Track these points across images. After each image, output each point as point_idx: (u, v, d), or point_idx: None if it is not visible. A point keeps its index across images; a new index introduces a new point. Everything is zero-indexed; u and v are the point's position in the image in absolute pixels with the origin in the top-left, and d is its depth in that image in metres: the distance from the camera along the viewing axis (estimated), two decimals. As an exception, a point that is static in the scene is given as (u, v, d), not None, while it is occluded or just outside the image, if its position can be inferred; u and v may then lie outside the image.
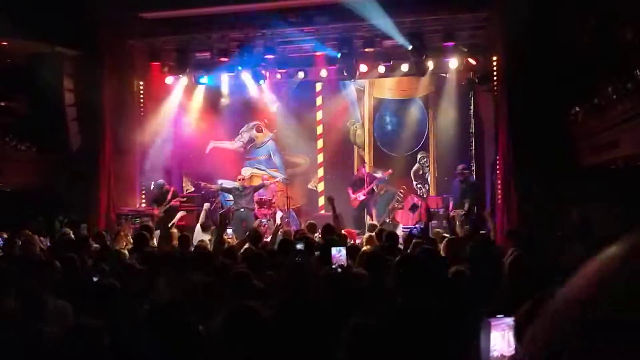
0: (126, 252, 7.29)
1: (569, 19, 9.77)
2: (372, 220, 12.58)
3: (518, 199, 10.65)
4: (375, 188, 13.50)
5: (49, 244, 9.05)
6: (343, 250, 4.93)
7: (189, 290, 4.17)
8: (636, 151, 7.65)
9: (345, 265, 5.06)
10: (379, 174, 13.87)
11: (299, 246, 4.63)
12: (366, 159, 14.51)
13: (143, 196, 13.51)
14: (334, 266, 4.96)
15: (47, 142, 12.16)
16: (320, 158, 14.78)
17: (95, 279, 5.02)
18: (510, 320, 1.70)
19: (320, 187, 14.73)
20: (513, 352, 1.56)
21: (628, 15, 8.04)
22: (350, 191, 13.61)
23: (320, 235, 7.75)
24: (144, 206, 13.13)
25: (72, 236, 8.63)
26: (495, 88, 11.78)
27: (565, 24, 9.86)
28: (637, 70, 6.91)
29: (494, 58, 11.72)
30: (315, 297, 4.05)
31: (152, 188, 13.18)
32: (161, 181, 13.04)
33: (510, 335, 1.69)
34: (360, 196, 13.44)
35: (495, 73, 11.78)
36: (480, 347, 1.80)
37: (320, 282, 4.52)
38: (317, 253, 5.62)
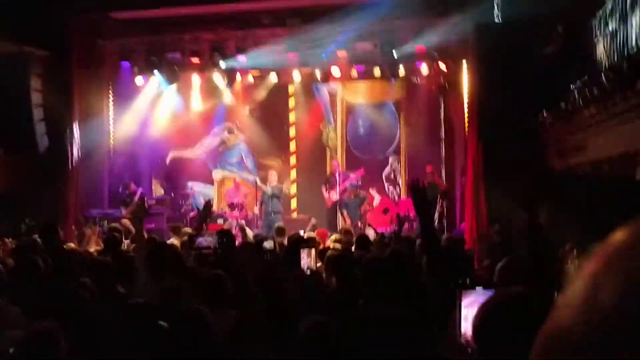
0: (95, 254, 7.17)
1: (538, 26, 9.92)
2: (346, 222, 12.57)
3: (487, 204, 10.74)
4: (347, 190, 13.47)
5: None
6: (312, 252, 4.91)
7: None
8: (601, 155, 7.78)
9: (314, 267, 5.04)
10: (352, 176, 13.89)
11: (267, 245, 4.58)
12: (338, 162, 14.52)
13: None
14: (302, 268, 4.93)
15: (13, 143, 11.88)
16: (292, 161, 14.75)
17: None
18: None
19: (293, 189, 14.69)
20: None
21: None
22: (323, 189, 13.52)
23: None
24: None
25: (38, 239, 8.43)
26: (465, 93, 11.88)
27: (535, 30, 10.01)
28: (602, 76, 7.04)
29: (464, 63, 11.83)
30: (285, 299, 4.03)
31: (120, 190, 13.00)
32: (126, 182, 12.89)
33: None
34: (334, 195, 13.33)
35: (465, 78, 11.88)
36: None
37: (290, 284, 4.49)
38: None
